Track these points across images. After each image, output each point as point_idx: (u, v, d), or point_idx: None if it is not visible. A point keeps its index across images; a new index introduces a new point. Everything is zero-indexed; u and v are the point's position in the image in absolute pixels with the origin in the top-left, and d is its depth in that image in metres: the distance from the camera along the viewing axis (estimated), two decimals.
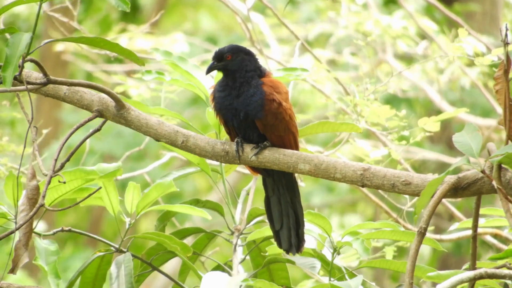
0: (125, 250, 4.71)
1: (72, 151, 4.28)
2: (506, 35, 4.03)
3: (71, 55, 10.67)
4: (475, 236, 4.19)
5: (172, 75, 4.97)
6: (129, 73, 10.84)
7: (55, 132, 11.59)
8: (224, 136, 4.79)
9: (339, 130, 4.95)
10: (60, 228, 4.68)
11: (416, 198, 4.92)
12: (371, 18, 8.77)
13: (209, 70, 4.52)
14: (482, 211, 4.66)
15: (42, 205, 4.15)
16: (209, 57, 10.45)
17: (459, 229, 5.30)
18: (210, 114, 4.81)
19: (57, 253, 4.53)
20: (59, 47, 9.21)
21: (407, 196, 6.07)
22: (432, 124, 5.96)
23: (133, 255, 4.72)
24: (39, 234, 4.57)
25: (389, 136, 6.23)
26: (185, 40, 9.83)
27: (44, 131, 6.22)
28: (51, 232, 4.65)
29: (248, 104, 4.42)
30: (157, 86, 6.64)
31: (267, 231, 4.77)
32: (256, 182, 5.32)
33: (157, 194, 4.68)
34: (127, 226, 4.71)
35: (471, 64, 8.83)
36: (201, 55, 10.70)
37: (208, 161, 6.49)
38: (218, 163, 4.96)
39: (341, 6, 9.24)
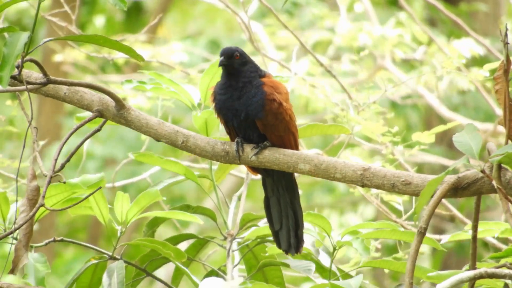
0: (118, 257, 4.71)
1: (73, 152, 4.27)
2: (506, 35, 4.02)
3: (70, 66, 10.68)
4: (475, 236, 4.19)
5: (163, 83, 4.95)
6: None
7: (56, 133, 11.59)
8: None
9: (328, 132, 4.94)
10: (52, 239, 4.67)
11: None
12: (366, 30, 8.77)
13: (220, 65, 4.50)
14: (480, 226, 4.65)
15: (42, 205, 4.15)
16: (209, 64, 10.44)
17: (459, 230, 5.29)
18: (196, 119, 4.81)
19: (46, 268, 4.54)
20: (58, 57, 9.21)
21: (399, 202, 6.06)
22: (427, 137, 5.96)
23: (127, 262, 4.72)
24: (30, 246, 4.56)
25: (383, 150, 6.22)
26: (184, 49, 9.82)
27: (41, 143, 6.22)
28: (43, 243, 4.65)
29: (249, 105, 4.43)
30: (155, 94, 6.63)
31: (261, 230, 4.76)
32: (247, 187, 5.31)
33: (145, 203, 4.68)
34: (118, 234, 4.71)
35: (469, 66, 8.85)
36: (200, 64, 10.71)
37: (202, 166, 6.50)
38: (209, 169, 4.98)
39: (339, 13, 9.25)
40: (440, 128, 5.91)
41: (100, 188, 4.42)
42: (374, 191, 6.07)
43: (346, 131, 4.96)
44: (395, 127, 6.10)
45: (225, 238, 4.94)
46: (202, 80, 4.85)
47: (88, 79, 10.73)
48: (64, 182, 4.30)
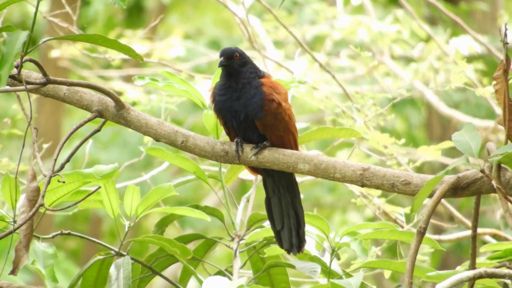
0: (124, 253, 4.70)
1: (72, 152, 4.27)
2: (505, 34, 4.02)
3: (67, 62, 10.66)
4: (474, 236, 4.18)
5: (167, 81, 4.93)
6: (125, 79, 10.82)
7: (56, 133, 11.59)
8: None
9: (338, 136, 4.94)
10: (59, 231, 4.66)
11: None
12: (365, 24, 8.77)
13: (220, 65, 4.49)
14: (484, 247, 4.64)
15: (42, 205, 4.14)
16: (207, 61, 10.45)
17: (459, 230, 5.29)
18: (207, 118, 4.80)
19: (55, 256, 4.51)
20: (55, 53, 9.21)
21: (401, 213, 6.06)
22: (432, 153, 5.94)
23: (134, 259, 4.71)
24: (37, 237, 4.55)
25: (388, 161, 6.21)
26: (183, 44, 9.80)
27: (44, 146, 6.22)
28: (51, 235, 4.64)
29: (248, 106, 4.43)
30: (159, 96, 6.62)
31: (265, 232, 4.75)
32: (256, 189, 5.31)
33: (156, 198, 4.65)
34: (126, 229, 4.69)
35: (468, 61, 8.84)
36: (198, 58, 10.69)
37: (209, 167, 6.49)
38: (218, 170, 4.98)
39: (337, 8, 9.25)
40: (446, 144, 5.89)
41: (99, 187, 4.41)
42: (376, 201, 6.06)
43: (357, 135, 4.96)
44: (402, 139, 6.09)
45: (233, 239, 4.94)
46: (214, 80, 4.85)
47: (84, 74, 10.72)
48: (64, 182, 4.29)
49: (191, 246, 4.96)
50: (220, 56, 4.48)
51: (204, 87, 4.93)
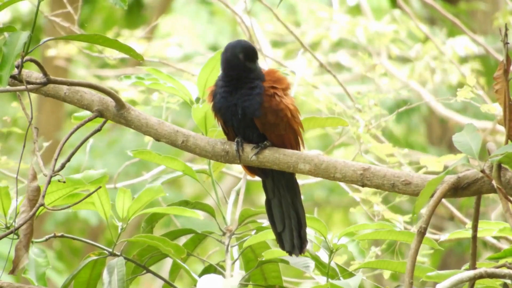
0: (118, 253, 4.70)
1: (72, 152, 4.27)
2: (505, 34, 4.03)
3: (63, 61, 10.66)
4: (475, 235, 4.19)
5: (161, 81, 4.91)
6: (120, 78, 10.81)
7: (56, 133, 11.60)
8: (213, 136, 4.77)
9: (325, 125, 4.94)
10: (52, 234, 4.66)
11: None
12: (362, 24, 8.78)
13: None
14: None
15: (42, 205, 4.15)
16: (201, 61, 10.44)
17: (459, 229, 5.29)
18: (195, 112, 4.77)
19: (47, 264, 4.53)
20: (51, 52, 9.20)
21: (399, 221, 6.07)
22: (435, 164, 5.94)
23: (126, 258, 4.71)
24: (31, 242, 4.55)
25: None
26: (179, 44, 9.79)
27: (45, 144, 6.23)
28: (44, 239, 4.64)
29: (246, 100, 4.37)
30: (160, 94, 6.63)
31: (262, 236, 4.74)
32: (246, 182, 5.30)
33: (147, 199, 4.67)
34: (119, 230, 4.70)
35: (463, 62, 8.86)
36: (196, 57, 10.68)
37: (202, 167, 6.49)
38: (207, 165, 4.97)
39: (334, 10, 9.25)
40: (449, 157, 5.89)
41: (99, 187, 4.41)
42: (376, 208, 6.06)
43: (343, 123, 4.95)
44: (405, 149, 6.09)
45: (224, 234, 4.93)
46: (201, 74, 4.82)
47: (80, 73, 10.70)
48: (64, 182, 4.30)
49: (181, 240, 4.96)
50: (249, 56, 4.42)
51: (192, 82, 4.91)
